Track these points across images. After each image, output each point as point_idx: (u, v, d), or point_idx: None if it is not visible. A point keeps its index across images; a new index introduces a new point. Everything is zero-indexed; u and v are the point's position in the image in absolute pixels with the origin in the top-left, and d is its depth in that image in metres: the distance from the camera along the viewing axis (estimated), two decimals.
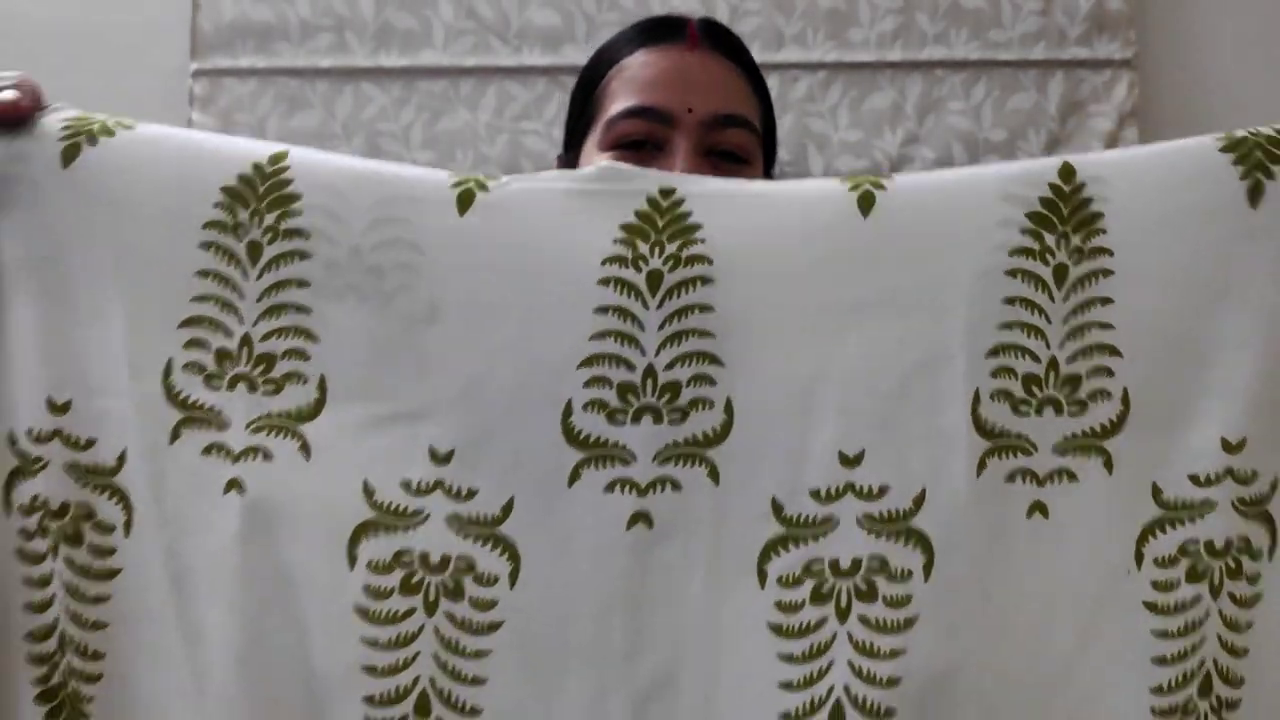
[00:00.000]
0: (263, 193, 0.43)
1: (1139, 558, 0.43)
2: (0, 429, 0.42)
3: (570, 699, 0.42)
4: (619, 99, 0.88)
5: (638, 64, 0.90)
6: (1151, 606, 0.43)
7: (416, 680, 0.42)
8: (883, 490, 0.42)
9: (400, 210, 0.43)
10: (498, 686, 0.42)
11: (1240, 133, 0.44)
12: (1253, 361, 0.43)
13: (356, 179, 0.44)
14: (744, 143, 0.88)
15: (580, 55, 1.47)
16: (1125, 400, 0.43)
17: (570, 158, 0.95)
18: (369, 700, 0.42)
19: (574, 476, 0.43)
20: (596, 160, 0.88)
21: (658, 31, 0.93)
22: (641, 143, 0.87)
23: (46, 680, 0.42)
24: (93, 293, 0.42)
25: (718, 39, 0.94)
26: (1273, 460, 0.44)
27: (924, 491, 0.42)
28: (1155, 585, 0.43)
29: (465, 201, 0.43)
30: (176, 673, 0.42)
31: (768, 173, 0.94)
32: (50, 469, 0.42)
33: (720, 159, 0.87)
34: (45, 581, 0.43)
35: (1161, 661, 0.43)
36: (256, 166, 0.43)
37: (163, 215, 0.43)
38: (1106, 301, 0.43)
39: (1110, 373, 0.44)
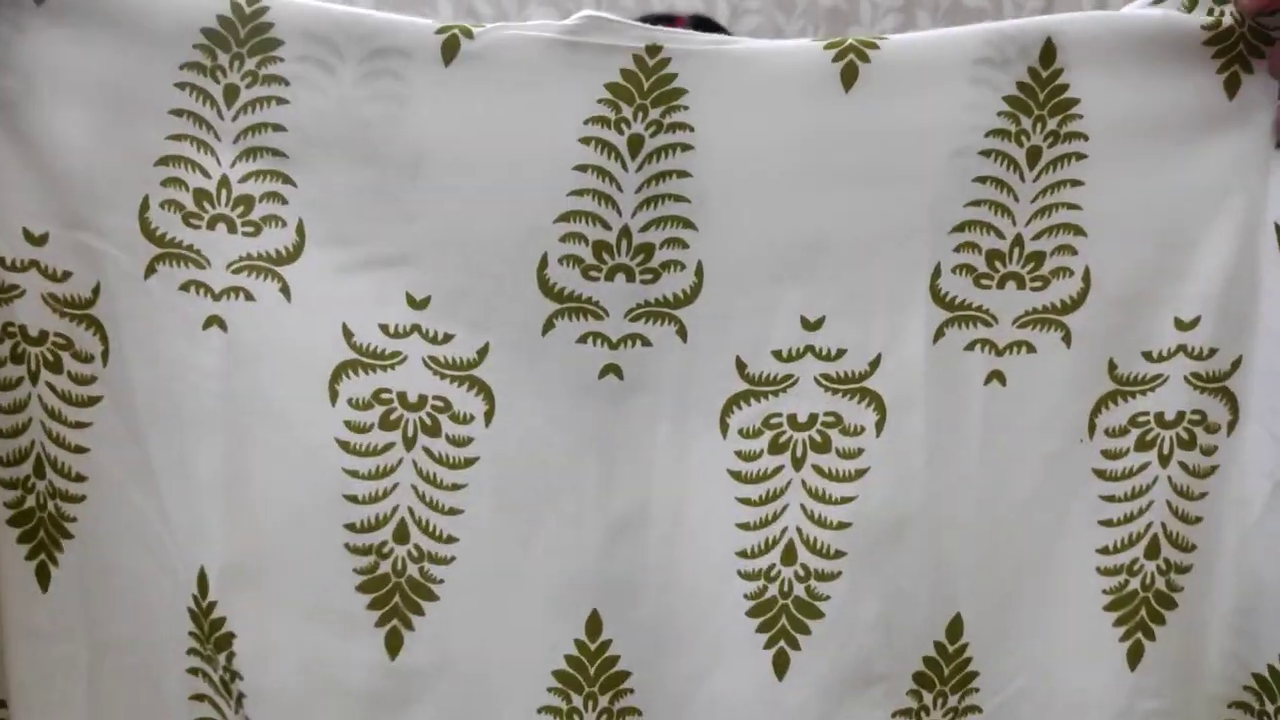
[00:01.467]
0: (244, 36, 0.43)
1: (1091, 427, 0.45)
2: None
3: (544, 529, 0.44)
4: None
5: None
6: (1100, 473, 0.45)
7: (395, 509, 0.44)
8: (840, 353, 0.45)
9: (390, 63, 0.43)
10: (473, 517, 0.44)
11: (1227, 21, 0.45)
12: (1213, 245, 0.45)
13: (345, 30, 0.44)
14: None
15: None
16: (1086, 278, 0.45)
17: None
18: (349, 527, 0.43)
19: (548, 326, 0.44)
20: None
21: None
22: None
23: (19, 504, 0.44)
24: (67, 127, 0.42)
25: (704, 27, 0.96)
26: (1234, 339, 0.45)
27: (880, 356, 0.45)
28: (1104, 453, 0.45)
29: (450, 50, 0.43)
30: (160, 498, 0.44)
31: None
32: (27, 297, 0.43)
33: None
34: (20, 407, 0.43)
35: (1107, 524, 0.45)
36: (236, 6, 0.43)
37: (138, 52, 0.43)
38: (1076, 183, 0.45)
39: (1074, 251, 0.45)
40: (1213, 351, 0.45)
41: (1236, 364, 0.45)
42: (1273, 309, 0.45)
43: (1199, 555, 0.45)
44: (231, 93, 0.43)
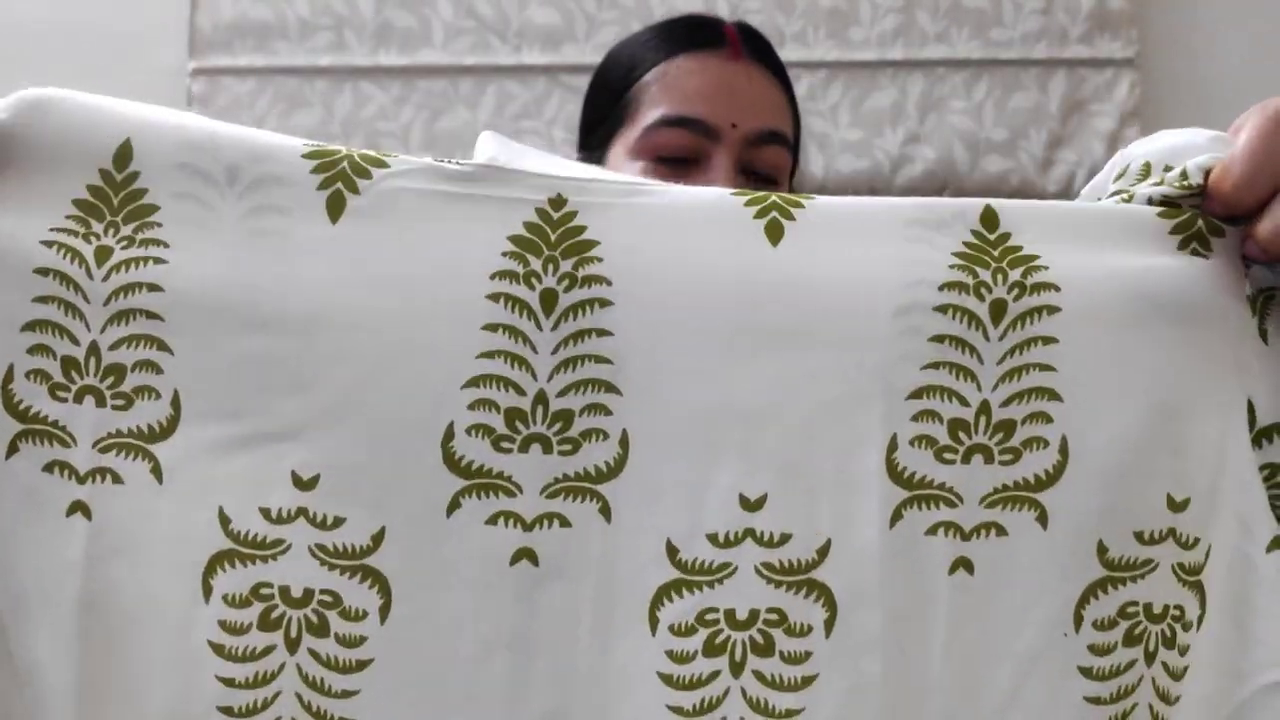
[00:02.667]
0: (117, 205, 0.40)
1: (1078, 619, 0.40)
2: None
3: None
4: (659, 105, 0.85)
5: (681, 70, 0.87)
6: (1086, 671, 0.40)
7: None
8: (784, 538, 0.40)
9: (270, 220, 0.41)
10: None
11: (1185, 213, 0.43)
12: (1199, 418, 0.41)
13: (219, 158, 0.41)
14: (780, 162, 0.87)
15: (580, 54, 1.47)
16: (1064, 449, 0.40)
17: (593, 159, 0.93)
18: None
19: (453, 505, 0.40)
20: (626, 169, 0.86)
21: (696, 35, 0.90)
22: (681, 159, 0.84)
23: None
24: None
25: (758, 48, 0.92)
26: (1212, 528, 0.41)
27: (829, 542, 0.40)
28: (1091, 648, 0.40)
29: (336, 208, 0.41)
30: (7, 710, 0.39)
31: (790, 182, 0.93)
32: None
33: (757, 180, 0.85)
34: None
35: None
36: (105, 174, 0.41)
37: (5, 222, 0.40)
38: (1049, 340, 0.40)
39: (1049, 419, 0.40)
40: (1195, 541, 0.41)
41: (1208, 554, 0.41)
42: (1240, 493, 0.41)
43: None
44: (104, 253, 0.40)
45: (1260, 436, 0.41)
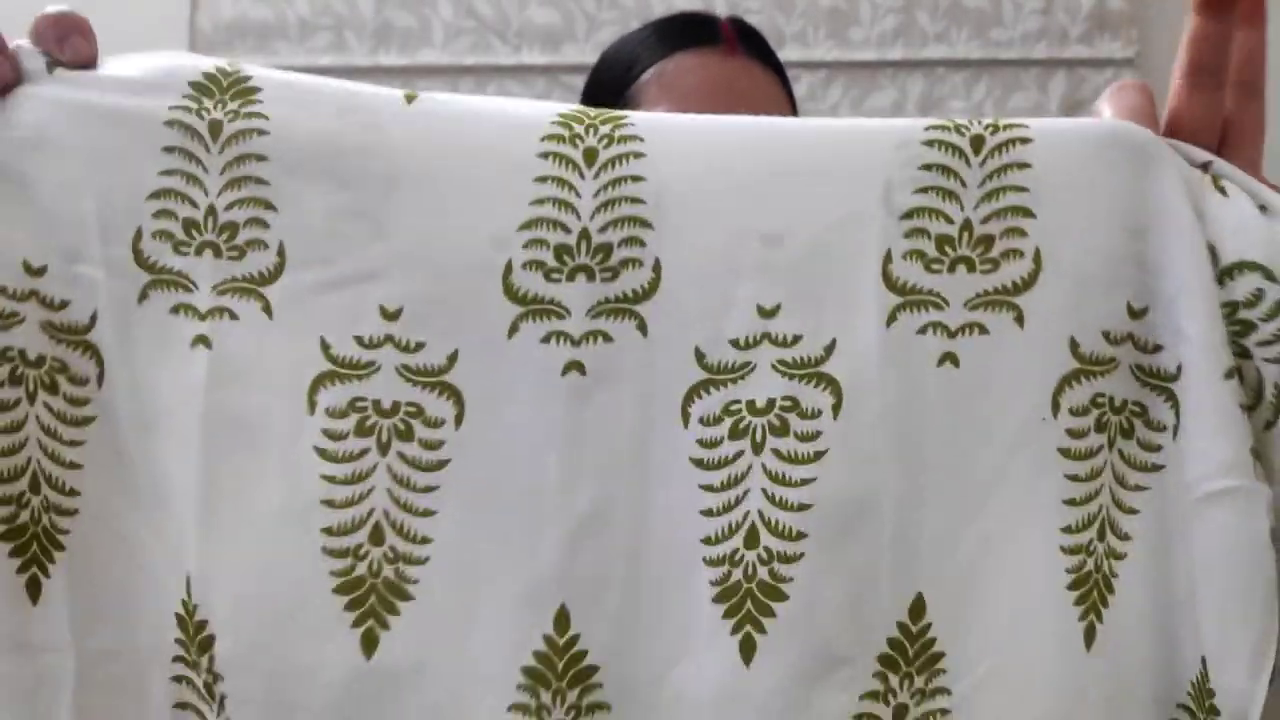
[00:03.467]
0: (226, 85, 0.47)
1: (1055, 406, 0.46)
2: None
3: (513, 527, 0.45)
4: (658, 105, 0.85)
5: (679, 69, 0.87)
6: (1065, 452, 0.46)
7: (371, 512, 0.45)
8: (796, 339, 0.46)
9: (362, 103, 0.48)
10: (445, 518, 0.45)
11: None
12: (1162, 239, 0.46)
13: (319, 87, 0.48)
14: None
15: (580, 54, 1.47)
16: (1037, 259, 0.46)
17: None
18: (327, 531, 0.45)
19: (513, 329, 0.46)
20: None
21: (692, 33, 0.90)
22: None
23: (13, 520, 0.45)
24: (71, 172, 0.46)
25: (754, 42, 0.92)
26: (1174, 344, 0.46)
27: (834, 340, 0.46)
28: (1069, 432, 0.46)
29: (410, 98, 0.48)
30: (147, 512, 0.45)
31: None
32: (26, 324, 0.45)
33: None
34: (18, 426, 0.45)
35: (1071, 503, 0.45)
36: (219, 68, 0.47)
37: (133, 103, 0.47)
38: (1024, 166, 0.46)
39: (1023, 233, 0.46)
40: (1157, 348, 0.46)
41: (1179, 370, 0.46)
42: (1201, 317, 0.45)
43: (1133, 545, 0.46)
44: (216, 127, 0.46)
45: (1222, 275, 0.46)
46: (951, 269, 0.46)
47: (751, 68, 0.89)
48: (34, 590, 0.45)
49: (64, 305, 0.45)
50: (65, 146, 0.46)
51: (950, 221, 0.46)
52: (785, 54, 1.48)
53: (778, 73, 0.91)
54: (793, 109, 0.93)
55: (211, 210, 0.46)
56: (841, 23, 1.48)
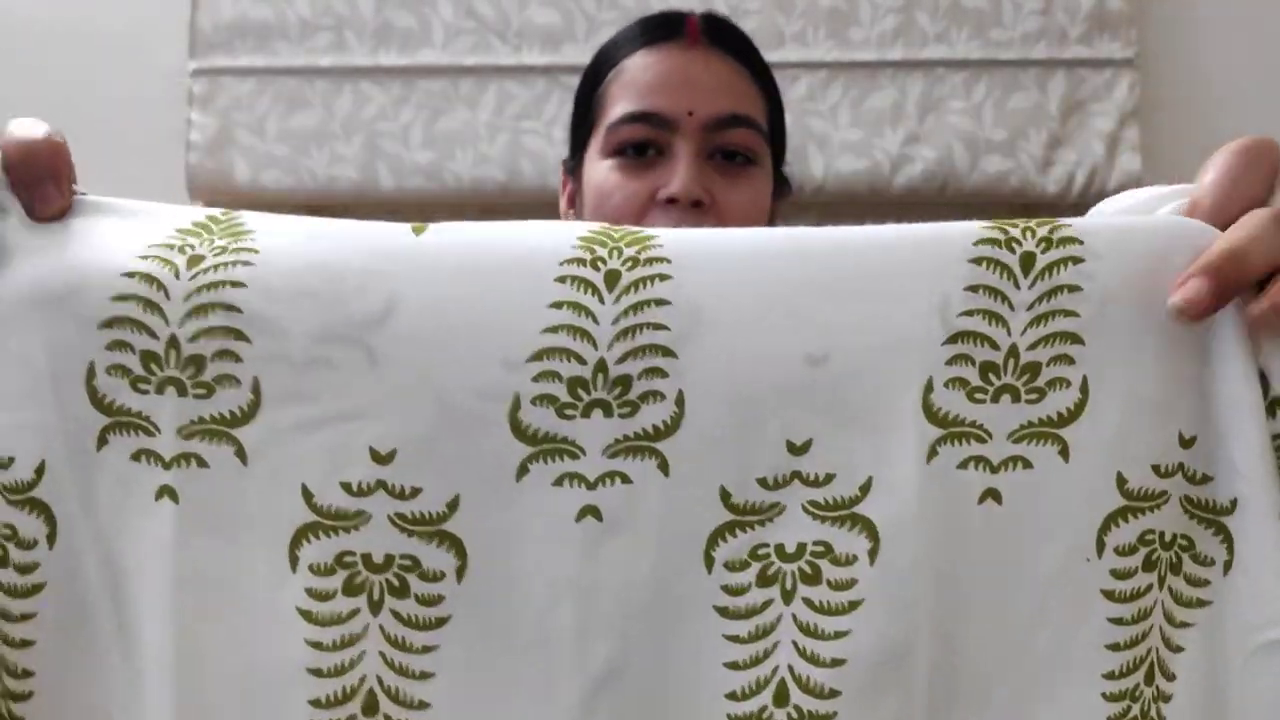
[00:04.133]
0: (218, 228, 0.43)
1: (1100, 545, 0.43)
2: None
3: (522, 686, 0.42)
4: (619, 103, 0.87)
5: (637, 66, 0.88)
6: (1109, 594, 0.43)
7: (363, 679, 0.42)
8: (829, 478, 0.43)
9: (365, 231, 0.44)
10: (446, 680, 0.42)
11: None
12: (1210, 366, 0.44)
13: (320, 221, 0.45)
14: (749, 142, 0.87)
15: (580, 54, 1.47)
16: (1084, 389, 0.43)
17: (575, 163, 0.94)
18: (314, 703, 0.41)
19: (522, 471, 0.42)
20: (597, 168, 0.87)
21: (657, 30, 0.91)
22: (643, 147, 0.85)
23: None
24: (20, 315, 0.42)
25: (720, 34, 0.92)
26: (1228, 477, 0.43)
27: (870, 479, 0.43)
28: (1113, 573, 0.43)
29: (420, 229, 0.44)
30: (112, 682, 0.42)
31: (777, 170, 0.93)
32: None
33: (725, 158, 0.86)
34: None
35: (1115, 648, 0.43)
36: (214, 214, 0.44)
37: (90, 254, 0.43)
38: (1074, 289, 0.43)
39: (1071, 360, 0.43)
40: (1206, 479, 0.44)
41: (1234, 504, 0.43)
42: (1257, 460, 0.43)
43: (1178, 686, 0.44)
44: (196, 260, 0.42)
45: (1274, 405, 0.43)
46: (995, 398, 0.43)
47: (711, 59, 0.89)
48: None
49: (9, 463, 0.41)
50: (8, 285, 0.42)
51: (996, 348, 0.43)
52: (785, 54, 1.48)
53: (747, 62, 0.91)
54: (771, 100, 0.93)
55: (173, 341, 0.41)
56: (841, 23, 1.48)
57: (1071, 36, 1.46)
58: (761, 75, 0.92)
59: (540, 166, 1.44)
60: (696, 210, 0.83)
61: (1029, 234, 0.43)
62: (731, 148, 0.86)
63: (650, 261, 0.43)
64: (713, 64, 0.88)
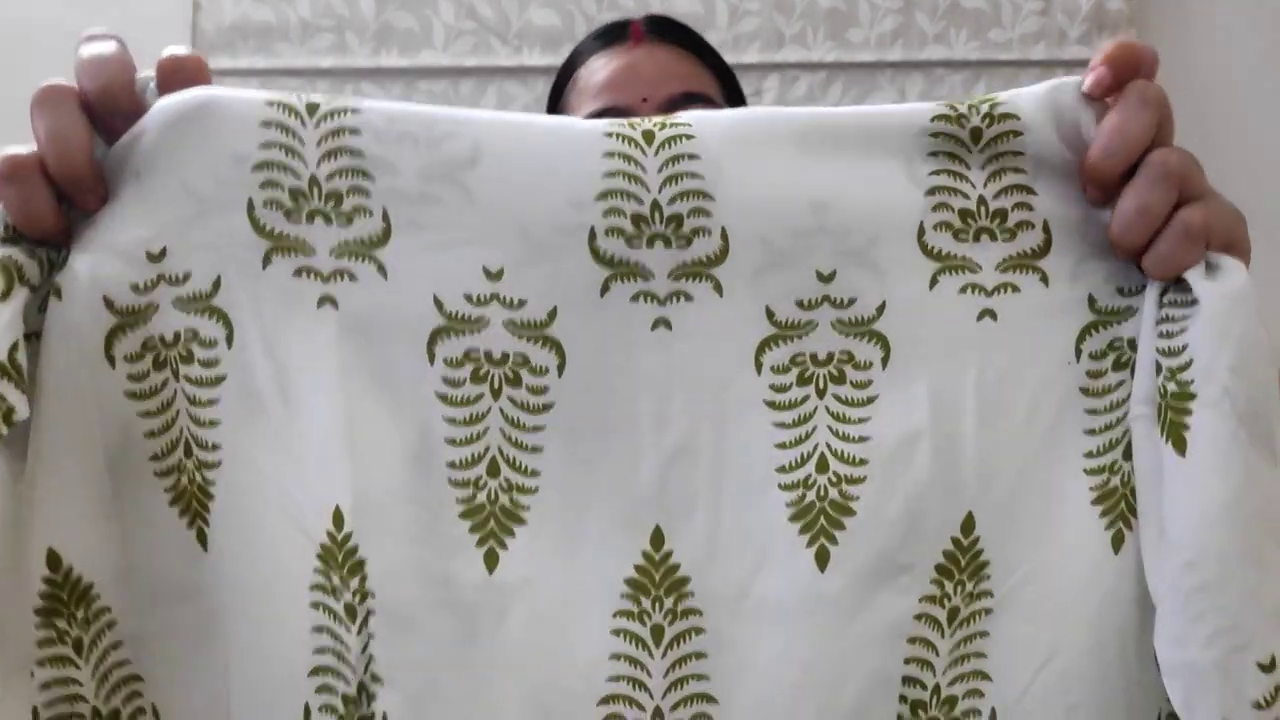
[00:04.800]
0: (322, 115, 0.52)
1: (1078, 352, 0.53)
2: (95, 299, 0.50)
3: (611, 460, 0.51)
4: (579, 109, 0.92)
5: (589, 71, 0.94)
6: (1085, 390, 0.53)
7: (487, 449, 0.51)
8: (852, 301, 0.52)
9: (445, 107, 0.53)
10: (551, 453, 0.51)
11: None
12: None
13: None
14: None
15: None
16: (1046, 229, 0.52)
17: None
18: (451, 465, 0.51)
19: (605, 289, 0.51)
20: None
21: (606, 36, 0.97)
22: None
23: (176, 485, 0.51)
24: (172, 164, 0.50)
25: (663, 30, 0.96)
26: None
27: (884, 303, 0.52)
28: (1089, 374, 0.53)
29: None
30: (284, 452, 0.50)
31: None
32: (161, 309, 0.50)
33: None
34: (167, 405, 0.51)
35: (1091, 432, 0.53)
36: (310, 104, 0.53)
37: (230, 99, 0.51)
38: (1018, 154, 0.53)
39: (1030, 207, 0.53)
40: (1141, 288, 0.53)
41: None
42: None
43: (1138, 464, 0.53)
44: (312, 108, 0.51)
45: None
46: (976, 238, 0.52)
47: (656, 51, 0.93)
48: (202, 540, 0.51)
49: (186, 278, 0.50)
50: (170, 138, 0.49)
51: (967, 198, 0.52)
52: (785, 55, 1.49)
53: (697, 51, 0.96)
54: (726, 83, 0.97)
55: (314, 180, 0.50)
56: (841, 24, 1.48)
57: (1071, 37, 1.47)
58: (710, 58, 0.97)
59: None
60: None
61: (974, 111, 0.53)
62: None
63: (674, 124, 0.52)
64: (658, 54, 0.93)
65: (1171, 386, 0.49)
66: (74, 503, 0.50)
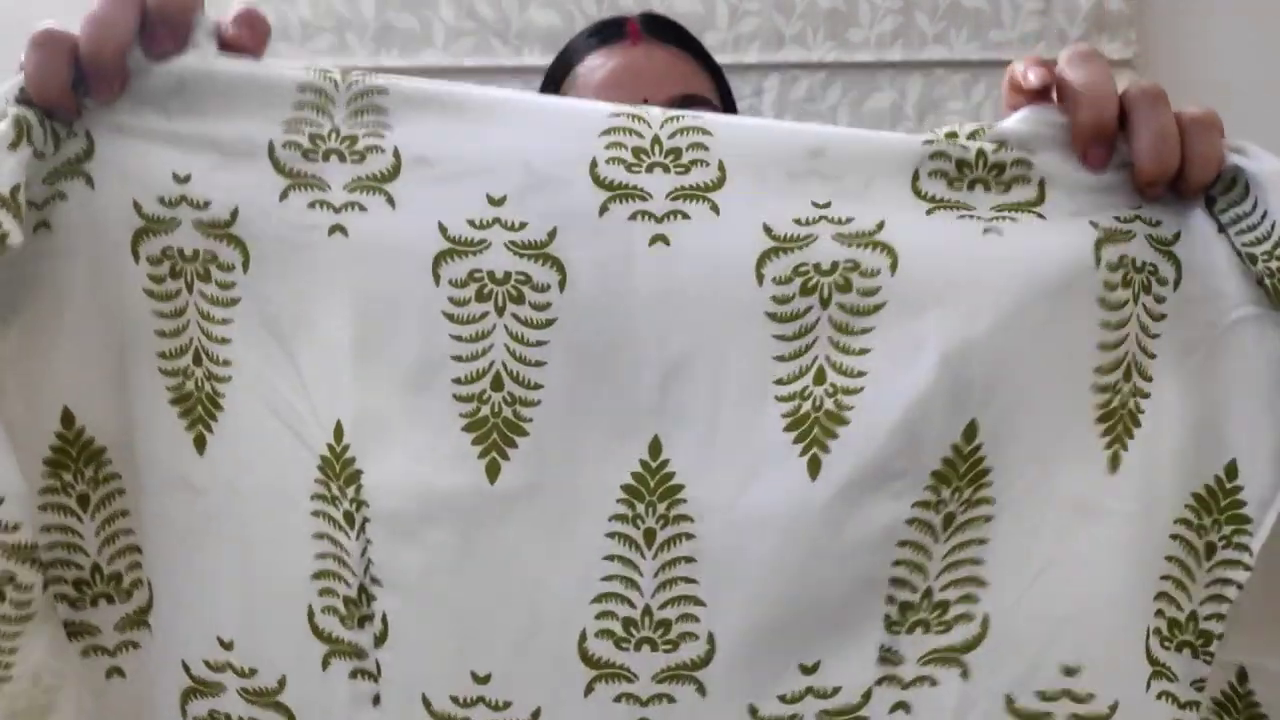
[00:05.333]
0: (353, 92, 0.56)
1: (1097, 260, 0.53)
2: (125, 198, 0.54)
3: (611, 373, 0.53)
4: None
5: (588, 69, 0.94)
6: (1102, 301, 0.53)
7: (492, 364, 0.53)
8: (849, 219, 0.53)
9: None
10: (554, 367, 0.53)
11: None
12: None
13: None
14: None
15: None
16: (1041, 187, 0.54)
17: None
18: (456, 380, 0.53)
19: (603, 210, 0.53)
20: None
21: (603, 33, 0.96)
22: None
23: (180, 388, 0.54)
24: (205, 111, 0.54)
25: (660, 29, 0.96)
26: (1175, 217, 0.54)
27: (883, 221, 0.53)
28: (1106, 284, 0.53)
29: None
30: (294, 371, 0.53)
31: None
32: (182, 226, 0.53)
33: None
34: (180, 312, 0.54)
35: (1104, 347, 0.53)
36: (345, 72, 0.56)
37: (267, 70, 0.56)
38: (1022, 160, 0.54)
39: (1029, 164, 0.54)
40: (1158, 223, 0.54)
41: (1177, 236, 0.54)
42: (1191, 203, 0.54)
43: (1154, 387, 0.54)
44: (346, 75, 0.54)
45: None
46: (970, 187, 0.54)
47: (655, 51, 0.94)
48: (200, 445, 0.54)
49: (207, 205, 0.53)
50: (206, 89, 0.53)
51: (965, 149, 0.53)
52: (785, 55, 1.49)
53: (693, 52, 0.96)
54: (720, 85, 0.98)
55: (335, 130, 0.54)
56: (840, 24, 1.48)
57: (1071, 37, 1.47)
58: (705, 62, 0.97)
59: None
60: None
61: (969, 146, 0.54)
62: None
63: (680, 117, 0.54)
64: (657, 55, 0.93)
65: (1276, 264, 0.50)
66: (92, 369, 0.53)
